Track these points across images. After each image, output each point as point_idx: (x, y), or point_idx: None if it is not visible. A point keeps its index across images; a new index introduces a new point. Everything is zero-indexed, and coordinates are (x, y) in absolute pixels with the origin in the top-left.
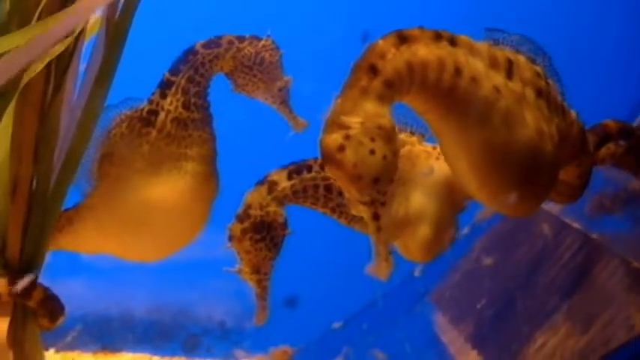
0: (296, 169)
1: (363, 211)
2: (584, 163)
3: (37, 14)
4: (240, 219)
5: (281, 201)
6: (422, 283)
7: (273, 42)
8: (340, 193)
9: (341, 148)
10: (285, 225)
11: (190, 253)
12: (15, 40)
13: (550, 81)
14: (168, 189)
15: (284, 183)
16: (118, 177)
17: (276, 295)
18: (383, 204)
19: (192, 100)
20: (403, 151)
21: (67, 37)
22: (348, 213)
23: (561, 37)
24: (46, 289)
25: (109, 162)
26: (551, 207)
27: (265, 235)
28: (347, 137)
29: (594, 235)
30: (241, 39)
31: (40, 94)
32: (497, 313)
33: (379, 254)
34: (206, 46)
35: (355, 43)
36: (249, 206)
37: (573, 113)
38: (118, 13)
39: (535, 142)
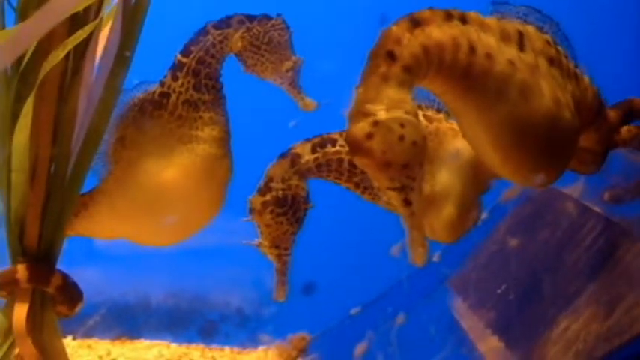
0: (320, 143)
1: (393, 198)
2: (603, 127)
3: None
4: (262, 192)
5: (304, 174)
6: (441, 268)
7: (282, 21)
8: None
9: (369, 136)
10: (307, 199)
11: (207, 239)
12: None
13: (560, 48)
14: (179, 172)
15: (307, 156)
16: (130, 161)
17: (294, 282)
18: (413, 189)
19: (203, 81)
20: (430, 128)
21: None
22: (372, 188)
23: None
24: (65, 276)
25: (122, 146)
26: (571, 191)
27: (287, 209)
28: (375, 124)
29: (616, 219)
30: (251, 18)
31: (59, 77)
32: (518, 298)
33: (414, 240)
34: (217, 26)
35: (372, 25)
36: (270, 179)
37: (586, 78)
38: None
39: (553, 112)
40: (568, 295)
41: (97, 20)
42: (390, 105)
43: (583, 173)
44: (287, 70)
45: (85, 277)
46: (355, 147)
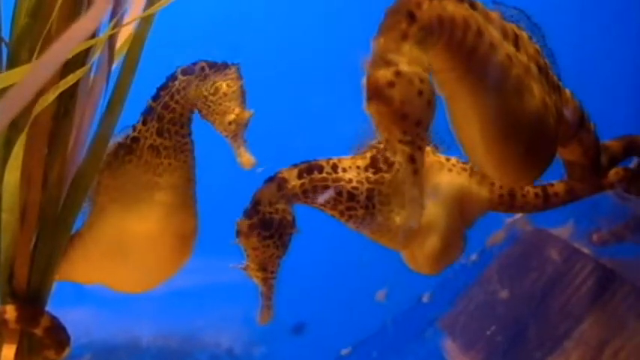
0: (307, 169)
1: (400, 152)
2: (586, 139)
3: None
4: (249, 215)
5: (290, 199)
6: (431, 309)
7: (236, 71)
8: (351, 197)
9: (390, 84)
10: (293, 223)
11: (197, 279)
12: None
13: (546, 60)
14: (139, 220)
15: (294, 181)
16: (102, 206)
17: (285, 322)
18: (420, 149)
19: (166, 126)
20: None
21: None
22: (357, 217)
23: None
24: (53, 318)
25: (97, 191)
26: (561, 232)
27: (274, 232)
28: (397, 74)
29: (604, 261)
30: (211, 66)
31: (49, 119)
32: (507, 340)
33: (414, 199)
34: (184, 71)
35: None
36: (258, 202)
37: (568, 92)
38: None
39: (541, 114)
40: (557, 337)
41: (87, 66)
42: (410, 60)
43: (580, 194)
44: (229, 123)
45: (75, 317)
46: (375, 93)
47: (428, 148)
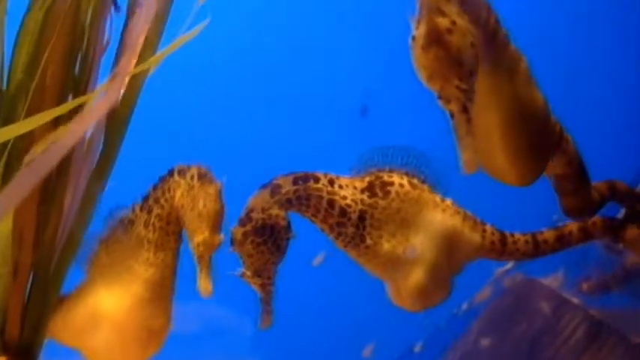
0: (303, 177)
1: (455, 100)
2: (568, 148)
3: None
4: (242, 222)
5: (284, 205)
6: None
7: (217, 191)
8: (343, 213)
9: (449, 31)
10: (288, 228)
11: (191, 325)
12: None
13: None
14: (114, 304)
15: (288, 187)
16: (92, 278)
17: None
18: (471, 100)
19: (152, 220)
20: (413, 194)
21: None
22: (346, 235)
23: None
24: None
25: (92, 260)
26: (551, 281)
27: (267, 238)
28: (453, 23)
29: (593, 312)
30: (201, 176)
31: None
32: None
33: (467, 146)
34: (180, 172)
35: None
36: (251, 210)
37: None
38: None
39: (546, 109)
40: None
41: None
42: (458, 15)
43: (569, 241)
44: (198, 244)
45: None
46: (435, 37)
47: (424, 186)
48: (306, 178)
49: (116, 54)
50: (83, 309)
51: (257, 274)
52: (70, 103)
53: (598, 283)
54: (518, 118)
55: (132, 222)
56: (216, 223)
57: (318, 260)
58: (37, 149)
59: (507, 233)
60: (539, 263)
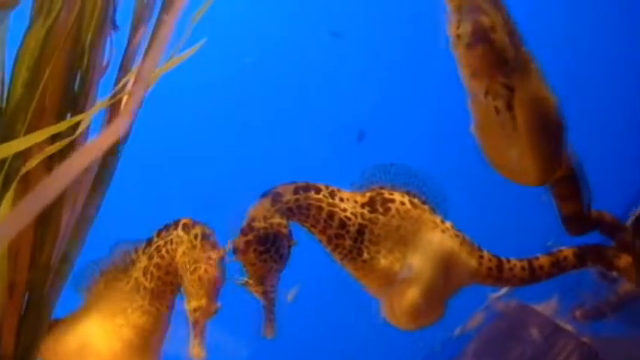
0: (304, 187)
1: (502, 97)
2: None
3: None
4: (245, 232)
5: (285, 213)
6: None
7: (219, 258)
8: (342, 225)
9: (492, 29)
10: (289, 236)
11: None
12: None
13: None
14: (103, 343)
15: (289, 195)
16: (88, 307)
17: None
18: (513, 98)
19: (151, 268)
20: (413, 213)
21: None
22: (343, 247)
23: None
24: None
25: (91, 289)
26: (544, 308)
27: (270, 246)
28: (493, 24)
29: (586, 339)
30: (204, 236)
31: None
32: None
33: (511, 134)
34: (184, 227)
35: None
36: (253, 219)
37: None
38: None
39: (559, 108)
40: None
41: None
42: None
43: (564, 266)
44: (194, 309)
45: None
46: (482, 36)
47: (425, 207)
48: (307, 188)
49: (118, 75)
50: (74, 337)
51: (260, 282)
52: (68, 121)
53: (591, 310)
54: (535, 117)
55: (133, 262)
56: (215, 291)
57: (291, 295)
58: (31, 163)
59: (504, 259)
60: (533, 289)
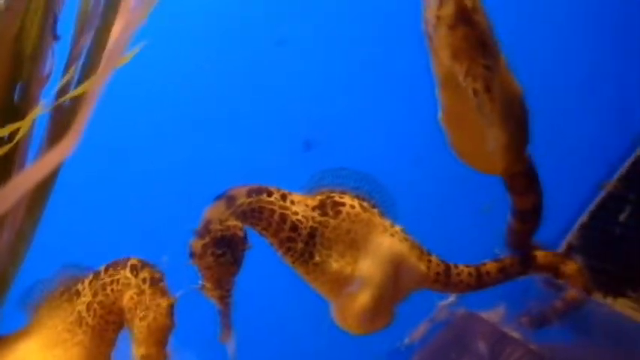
0: (256, 190)
1: (482, 79)
2: None
3: None
4: (201, 235)
5: (239, 216)
6: None
7: (168, 307)
8: (294, 228)
9: (475, 11)
10: (245, 240)
11: None
12: None
13: None
14: None
15: (242, 199)
16: (37, 325)
17: None
18: (493, 80)
19: (94, 305)
20: (363, 216)
21: None
22: (295, 250)
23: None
24: None
25: (41, 307)
26: (491, 315)
27: (226, 250)
28: (475, 6)
29: (533, 346)
30: (153, 282)
31: None
32: None
33: (492, 124)
34: (132, 269)
35: None
36: (209, 221)
37: None
38: None
39: (524, 97)
40: None
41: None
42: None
43: (511, 272)
44: (142, 357)
45: None
46: (464, 16)
47: (375, 210)
48: (259, 191)
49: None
50: (12, 357)
51: (217, 286)
52: (6, 129)
53: (537, 316)
54: (504, 103)
55: (78, 294)
56: (165, 339)
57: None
58: None
59: (452, 265)
60: (481, 297)
